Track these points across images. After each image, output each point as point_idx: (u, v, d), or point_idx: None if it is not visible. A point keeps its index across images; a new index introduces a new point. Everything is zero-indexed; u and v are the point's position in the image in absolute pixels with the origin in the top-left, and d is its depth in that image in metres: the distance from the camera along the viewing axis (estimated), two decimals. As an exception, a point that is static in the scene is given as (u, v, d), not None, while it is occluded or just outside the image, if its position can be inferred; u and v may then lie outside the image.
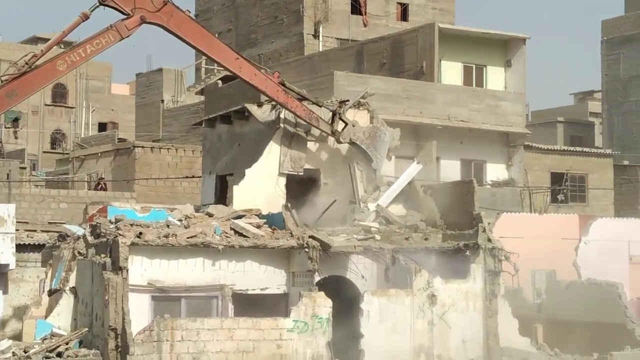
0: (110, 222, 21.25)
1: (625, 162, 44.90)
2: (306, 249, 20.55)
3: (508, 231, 25.51)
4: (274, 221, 21.83)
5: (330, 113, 23.83)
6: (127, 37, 20.95)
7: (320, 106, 23.99)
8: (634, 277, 28.17)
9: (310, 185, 24.43)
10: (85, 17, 20.51)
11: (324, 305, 20.03)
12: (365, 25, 47.10)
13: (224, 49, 22.66)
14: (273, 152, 24.09)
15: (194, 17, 48.03)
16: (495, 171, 34.71)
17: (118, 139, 46.52)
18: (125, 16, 20.92)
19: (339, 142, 24.04)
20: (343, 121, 23.93)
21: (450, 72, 34.81)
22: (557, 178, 37.79)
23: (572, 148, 40.77)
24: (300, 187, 24.23)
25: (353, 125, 23.98)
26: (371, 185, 24.34)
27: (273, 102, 24.49)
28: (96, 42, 20.62)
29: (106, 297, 19.14)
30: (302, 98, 23.60)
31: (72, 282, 21.97)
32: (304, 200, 23.54)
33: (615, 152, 42.36)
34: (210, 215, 22.11)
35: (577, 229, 28.93)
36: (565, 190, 37.56)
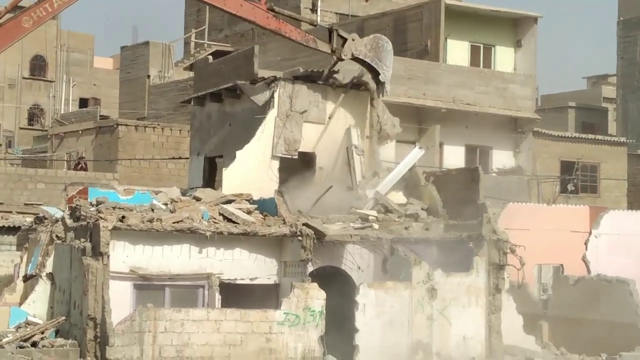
0: (91, 204, 21.23)
1: (640, 152, 45.01)
2: (299, 237, 20.56)
3: (514, 222, 25.56)
4: (265, 207, 21.84)
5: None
6: None
7: (314, 26, 24.14)
8: (646, 273, 28.24)
9: (305, 169, 24.44)
10: None
11: (317, 297, 20.06)
12: (366, 0, 47.00)
13: None
14: (266, 133, 24.07)
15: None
16: (502, 158, 34.76)
17: (100, 116, 46.44)
18: None
19: (340, 59, 24.14)
20: (341, 37, 23.96)
21: (457, 51, 34.79)
22: (567, 167, 37.84)
23: (583, 135, 40.80)
24: (294, 171, 24.24)
25: (353, 40, 24.01)
26: (370, 171, 24.38)
27: (267, 80, 24.51)
28: None
29: (85, 284, 19.14)
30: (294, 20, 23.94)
31: (49, 267, 21.94)
32: (298, 186, 23.55)
33: (629, 140, 42.42)
34: (197, 199, 22.12)
35: (588, 221, 28.99)
36: (575, 180, 37.63)
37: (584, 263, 27.66)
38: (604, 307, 23.75)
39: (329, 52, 24.04)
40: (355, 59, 24.22)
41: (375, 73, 24.47)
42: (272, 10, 23.25)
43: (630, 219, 29.51)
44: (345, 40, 23.98)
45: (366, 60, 24.22)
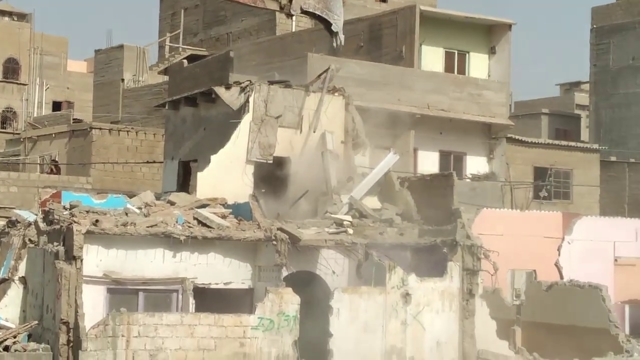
0: (65, 208, 21.13)
1: (613, 158, 45.37)
2: (274, 242, 20.55)
3: (488, 228, 25.71)
4: (240, 211, 21.82)
5: None
6: None
7: None
8: (618, 279, 28.48)
9: (280, 174, 24.45)
10: None
11: (291, 302, 20.05)
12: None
13: None
14: (241, 137, 24.06)
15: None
16: (476, 164, 34.88)
17: (73, 119, 46.19)
18: None
19: (289, 15, 24.47)
20: None
21: (431, 57, 34.91)
22: (540, 173, 38.05)
23: (557, 142, 41.04)
24: (269, 175, 24.24)
25: None
26: (345, 176, 24.40)
27: (242, 85, 24.49)
28: None
29: (58, 289, 19.04)
30: None
31: (21, 271, 21.81)
32: (272, 190, 23.53)
33: (602, 147, 42.72)
34: (172, 203, 22.06)
35: (561, 227, 29.20)
36: (548, 186, 37.86)
37: (557, 269, 27.87)
38: (577, 313, 23.88)
39: (278, 9, 23.97)
40: (305, 12, 24.16)
41: (327, 24, 24.46)
42: None
43: (602, 225, 29.76)
44: None
45: (316, 12, 24.18)
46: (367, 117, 26.00)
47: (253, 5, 23.73)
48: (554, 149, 39.17)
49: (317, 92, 25.08)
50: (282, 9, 23.88)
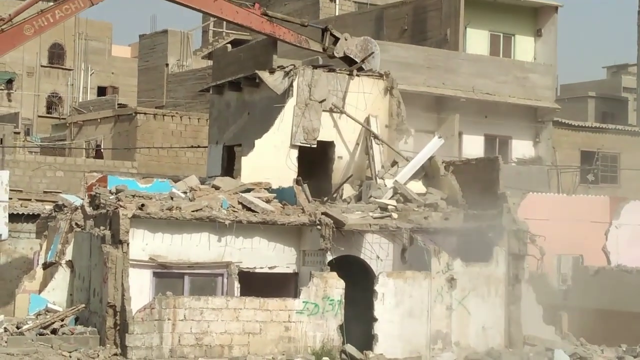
0: (111, 192, 21.33)
1: (661, 142, 44.67)
2: (318, 227, 20.58)
3: (534, 212, 25.51)
4: (284, 196, 21.87)
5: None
6: (97, 4, 21.77)
7: (305, 26, 25.33)
8: (667, 264, 28.07)
9: (324, 158, 24.45)
10: None
11: (336, 286, 20.11)
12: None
13: None
14: (285, 122, 24.11)
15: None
16: (522, 148, 34.63)
17: (118, 104, 46.51)
18: None
19: (332, 57, 25.44)
20: (334, 36, 25.23)
21: (476, 40, 34.64)
22: (587, 157, 37.66)
23: (604, 125, 40.54)
24: (313, 160, 24.26)
25: (345, 39, 25.32)
26: (389, 160, 24.36)
27: (286, 69, 24.53)
28: (65, 7, 21.62)
29: (105, 272, 19.24)
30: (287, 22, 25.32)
31: (68, 255, 22.07)
32: (316, 174, 23.54)
33: (650, 130, 42.10)
34: (216, 188, 22.17)
35: (608, 211, 28.92)
36: (595, 170, 37.46)
37: (604, 253, 27.61)
38: (624, 298, 23.67)
39: (321, 50, 25.29)
40: (344, 57, 25.29)
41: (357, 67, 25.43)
42: (266, 14, 24.48)
43: (650, 210, 29.39)
44: (336, 39, 25.16)
45: (355, 59, 25.29)
46: (412, 101, 25.93)
47: (298, 45, 25.07)
48: (601, 132, 38.72)
49: (361, 76, 25.07)
50: (325, 50, 25.31)
